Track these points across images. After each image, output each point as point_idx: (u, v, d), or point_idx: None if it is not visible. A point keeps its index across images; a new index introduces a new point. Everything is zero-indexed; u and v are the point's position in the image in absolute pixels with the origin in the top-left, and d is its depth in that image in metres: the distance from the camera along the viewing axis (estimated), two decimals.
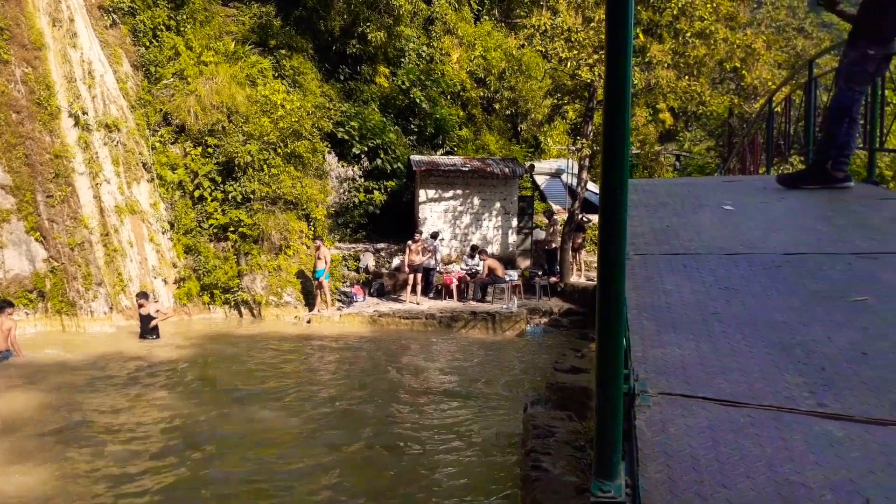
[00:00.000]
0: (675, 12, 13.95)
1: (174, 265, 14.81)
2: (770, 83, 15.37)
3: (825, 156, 5.24)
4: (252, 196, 15.09)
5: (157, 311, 12.38)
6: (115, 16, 15.11)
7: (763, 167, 10.29)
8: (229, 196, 15.12)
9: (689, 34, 14.12)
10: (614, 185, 1.70)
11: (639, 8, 13.92)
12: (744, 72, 15.09)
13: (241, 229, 14.88)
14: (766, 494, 1.65)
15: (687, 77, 14.59)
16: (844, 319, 2.73)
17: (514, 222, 18.60)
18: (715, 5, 14.20)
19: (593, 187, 19.52)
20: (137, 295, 12.70)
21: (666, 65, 14.06)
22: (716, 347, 2.54)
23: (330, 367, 10.68)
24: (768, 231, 4.06)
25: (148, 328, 12.12)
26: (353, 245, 18.09)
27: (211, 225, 15.10)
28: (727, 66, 15.67)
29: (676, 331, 2.72)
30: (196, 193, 15.25)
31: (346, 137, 18.32)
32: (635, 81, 14.03)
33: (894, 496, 1.62)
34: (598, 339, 1.75)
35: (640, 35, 14.04)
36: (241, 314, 14.86)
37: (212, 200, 15.18)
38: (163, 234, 14.84)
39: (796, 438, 1.87)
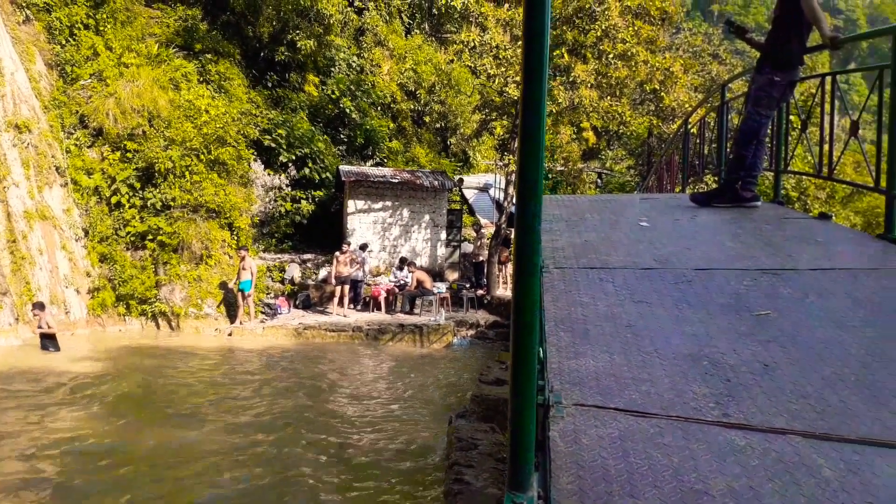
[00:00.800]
0: (598, 34, 14.44)
1: (88, 274, 14.14)
2: (687, 105, 16.09)
3: (735, 176, 5.50)
4: (172, 203, 14.59)
5: (47, 324, 11.71)
6: (28, 11, 14.40)
7: (679, 186, 10.73)
8: (148, 203, 14.58)
9: (611, 55, 14.64)
10: (528, 199, 1.72)
11: (564, 28, 14.33)
12: (662, 94, 15.75)
13: (159, 238, 14.35)
14: (671, 503, 1.70)
15: (609, 97, 15.11)
16: (749, 332, 2.86)
17: (443, 235, 18.69)
18: (636, 29, 14.78)
19: None
20: (32, 305, 12.05)
21: (589, 84, 14.51)
22: (629, 359, 2.60)
23: (251, 381, 10.39)
24: (681, 247, 4.22)
25: (47, 340, 11.51)
26: (279, 255, 17.74)
27: (128, 233, 14.51)
28: (647, 88, 16.31)
29: (591, 343, 2.78)
30: (113, 200, 14.64)
31: (274, 145, 17.99)
32: (560, 100, 14.42)
33: (790, 502, 1.70)
34: (513, 351, 1.76)
35: (566, 55, 14.45)
36: (158, 326, 14.31)
37: (129, 207, 14.61)
38: (76, 241, 14.15)
39: (701, 448, 1.94)
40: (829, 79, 5.58)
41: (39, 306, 11.86)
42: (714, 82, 22.50)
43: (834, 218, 5.19)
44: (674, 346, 2.73)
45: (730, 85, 8.69)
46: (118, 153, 14.76)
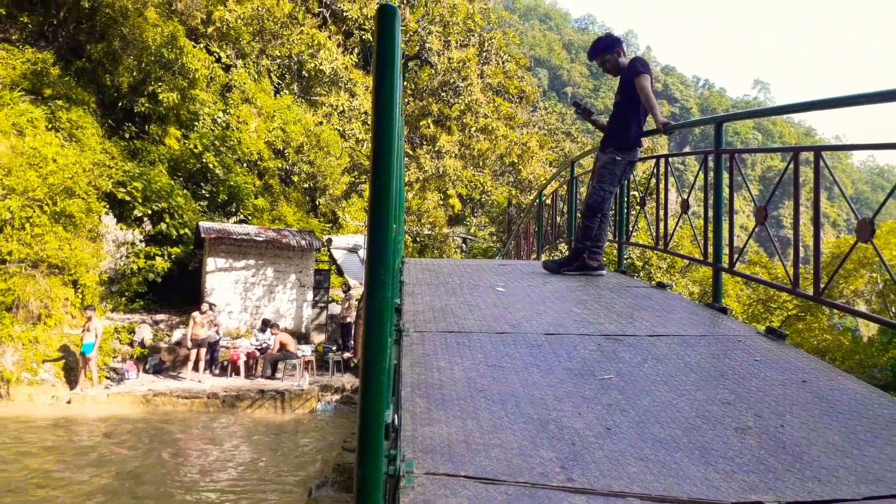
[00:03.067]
0: (462, 108, 15.19)
1: None
2: (542, 178, 17.15)
3: (582, 246, 5.90)
4: (8, 258, 13.31)
5: None
6: None
7: (535, 253, 11.31)
8: None
9: (474, 129, 15.42)
10: (377, 262, 1.74)
11: (430, 100, 14.93)
12: (520, 167, 16.72)
13: None
14: None
15: (472, 167, 15.83)
16: (593, 395, 3.02)
17: (310, 296, 18.32)
18: (496, 105, 15.72)
19: None
20: None
21: (454, 154, 15.13)
22: (480, 424, 2.66)
23: (88, 457, 9.47)
24: (533, 312, 4.42)
25: None
26: (129, 316, 16.53)
27: None
28: (506, 161, 17.26)
29: (446, 408, 2.82)
30: None
31: (128, 198, 16.98)
32: (426, 167, 14.89)
33: None
34: (360, 421, 1.75)
35: (432, 125, 15.03)
36: None
37: None
38: None
39: None
40: (663, 160, 6.17)
41: None
42: (566, 158, 24.20)
43: (673, 286, 5.67)
44: (524, 411, 2.83)
45: (579, 161, 9.38)
46: None
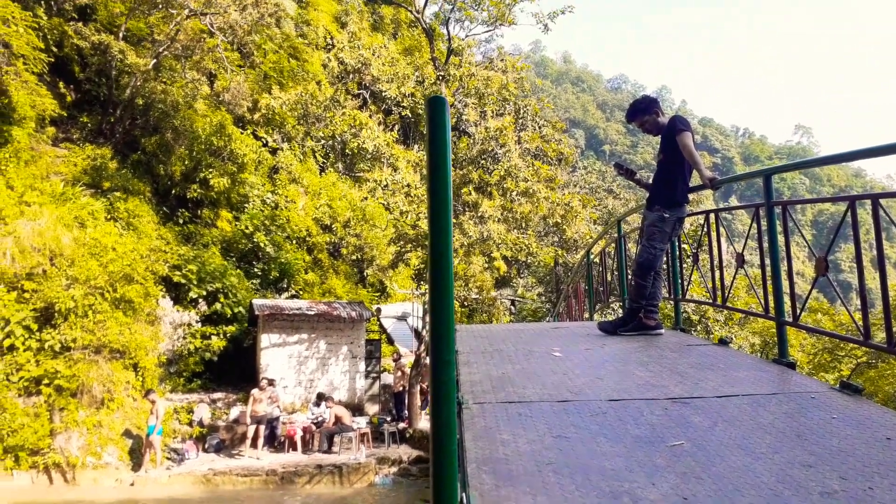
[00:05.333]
0: (501, 173, 15.42)
1: None
2: (587, 236, 17.11)
3: (637, 305, 5.81)
4: (73, 345, 13.79)
5: None
6: None
7: (587, 312, 11.16)
8: (46, 345, 13.71)
9: (514, 192, 15.59)
10: (440, 343, 1.77)
11: (470, 168, 15.22)
12: (564, 227, 16.73)
13: (56, 381, 13.40)
14: None
15: (516, 230, 15.92)
16: (665, 464, 2.92)
17: (362, 366, 18.37)
18: (536, 168, 15.92)
19: None
20: None
21: (497, 219, 15.26)
22: (551, 499, 2.60)
23: None
24: (593, 377, 4.34)
25: None
26: (187, 396, 16.81)
27: (21, 377, 13.47)
28: (550, 221, 17.30)
29: (514, 484, 2.77)
30: (6, 343, 13.67)
31: (184, 281, 17.56)
32: (470, 232, 15.04)
33: None
34: (434, 496, 1.74)
35: (473, 192, 15.26)
36: (51, 479, 13.05)
37: (24, 350, 13.66)
38: None
39: None
40: (713, 215, 6.11)
41: None
42: (611, 215, 24.15)
43: (734, 339, 5.51)
44: (594, 483, 2.75)
45: (625, 218, 9.34)
46: (14, 293, 14.00)
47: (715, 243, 5.94)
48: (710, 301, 6.37)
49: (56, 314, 13.88)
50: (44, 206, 15.07)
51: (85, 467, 13.25)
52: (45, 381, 13.46)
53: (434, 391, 1.79)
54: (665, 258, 6.30)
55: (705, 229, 6.28)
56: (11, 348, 13.69)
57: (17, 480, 12.86)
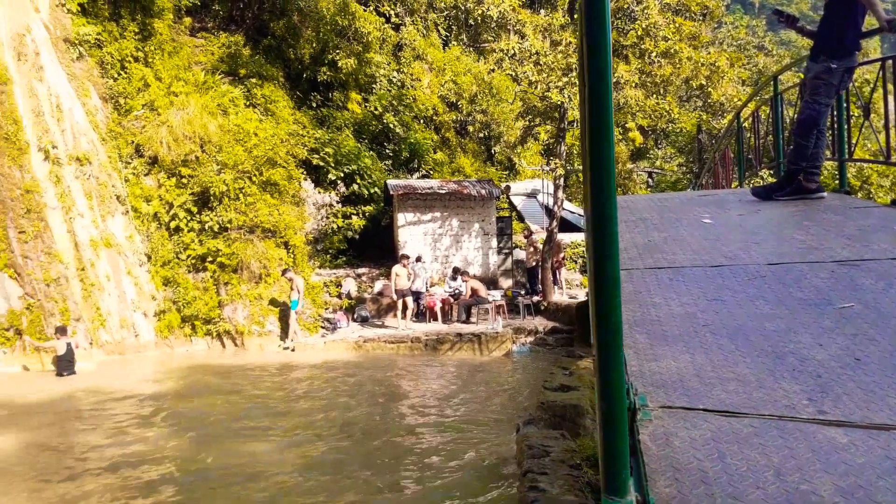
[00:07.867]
0: (639, 33, 14.28)
1: (153, 298, 14.61)
2: (736, 99, 15.73)
3: (797, 167, 5.36)
4: (229, 225, 14.98)
5: (71, 344, 11.98)
6: (81, 48, 14.98)
7: (735, 181, 10.49)
8: (206, 226, 15.00)
9: (654, 54, 14.45)
10: (602, 201, 1.71)
11: None
12: (709, 89, 15.42)
13: (219, 259, 14.74)
14: None
15: (655, 95, 14.89)
16: (833, 326, 2.78)
17: (494, 243, 18.68)
18: (677, 26, 14.56)
19: (569, 206, 19.66)
20: (56, 330, 12.05)
21: (634, 84, 14.33)
22: (710, 358, 2.56)
23: (319, 395, 10.55)
24: (749, 242, 4.12)
25: (64, 363, 11.75)
26: (334, 271, 17.99)
27: (189, 256, 14.95)
28: (693, 84, 16.02)
29: (669, 344, 2.75)
30: (172, 225, 15.11)
31: (322, 164, 18.30)
32: None
33: None
34: (598, 355, 1.75)
35: None
36: (223, 345, 14.70)
37: (188, 231, 15.06)
38: (140, 266, 14.64)
39: (801, 447, 1.89)
40: (889, 63, 5.40)
41: (62, 331, 11.99)
42: (762, 74, 22.00)
43: None
44: (755, 344, 2.67)
45: (782, 75, 8.47)
46: (174, 179, 15.24)
47: (891, 96, 5.29)
48: (881, 160, 5.76)
49: (212, 197, 15.03)
50: (189, 95, 15.95)
51: (251, 335, 14.75)
52: (209, 258, 14.84)
53: (594, 262, 1.76)
54: (829, 115, 5.71)
55: (882, 83, 5.58)
56: (178, 230, 15.10)
57: (196, 346, 14.60)
